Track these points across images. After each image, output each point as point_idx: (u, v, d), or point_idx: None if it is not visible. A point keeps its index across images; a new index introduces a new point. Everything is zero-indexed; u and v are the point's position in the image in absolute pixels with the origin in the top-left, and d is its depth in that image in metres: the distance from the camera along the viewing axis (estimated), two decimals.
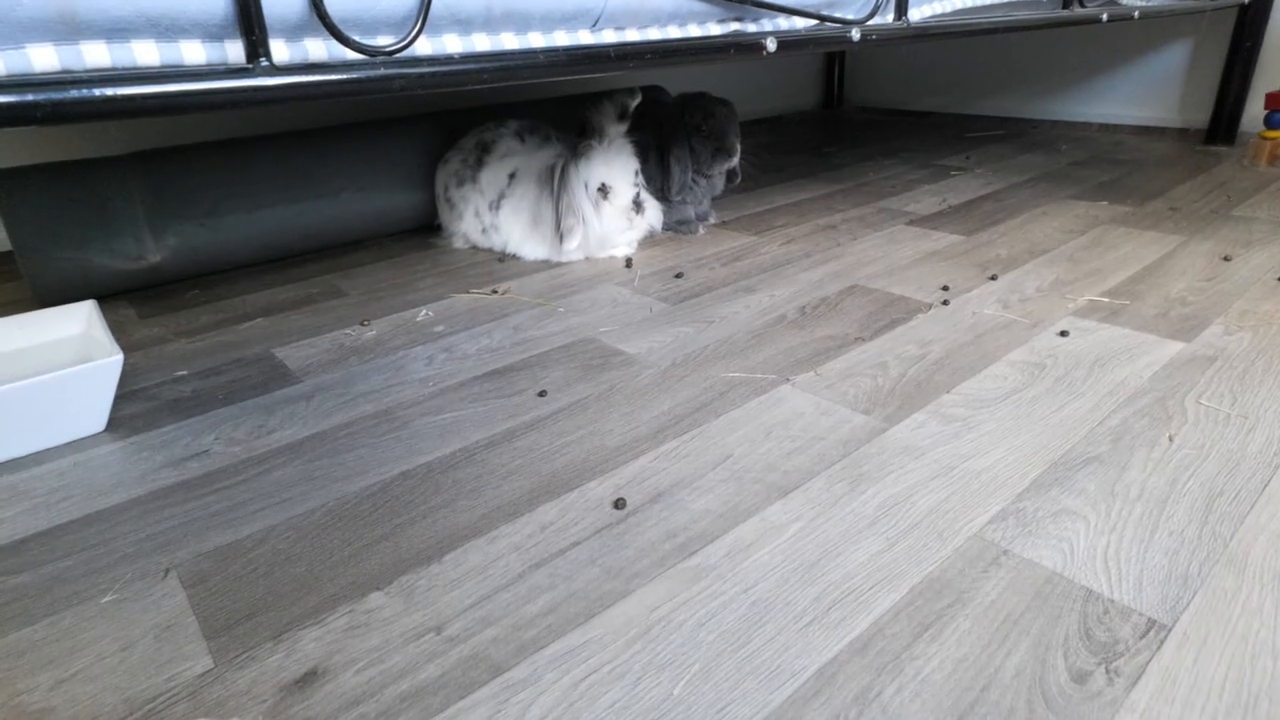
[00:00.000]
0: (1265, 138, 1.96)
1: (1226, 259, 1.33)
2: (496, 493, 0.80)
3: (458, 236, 1.62)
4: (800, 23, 0.98)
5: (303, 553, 0.71)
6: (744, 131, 2.05)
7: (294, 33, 0.62)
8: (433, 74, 0.64)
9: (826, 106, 3.17)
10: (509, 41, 0.74)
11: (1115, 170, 1.98)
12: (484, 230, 1.57)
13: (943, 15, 1.17)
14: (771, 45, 0.89)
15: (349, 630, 0.62)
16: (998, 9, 1.29)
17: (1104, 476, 0.77)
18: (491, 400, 0.98)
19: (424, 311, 1.28)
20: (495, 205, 1.53)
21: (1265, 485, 0.74)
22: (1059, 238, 1.51)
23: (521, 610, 0.64)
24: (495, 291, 1.35)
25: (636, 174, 1.45)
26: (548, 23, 0.75)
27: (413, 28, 0.63)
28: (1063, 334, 1.08)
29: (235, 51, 0.61)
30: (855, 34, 0.99)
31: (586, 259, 1.52)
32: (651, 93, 2.06)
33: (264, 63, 0.60)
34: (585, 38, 0.79)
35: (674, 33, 0.86)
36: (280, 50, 0.63)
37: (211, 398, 1.02)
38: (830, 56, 3.06)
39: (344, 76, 0.62)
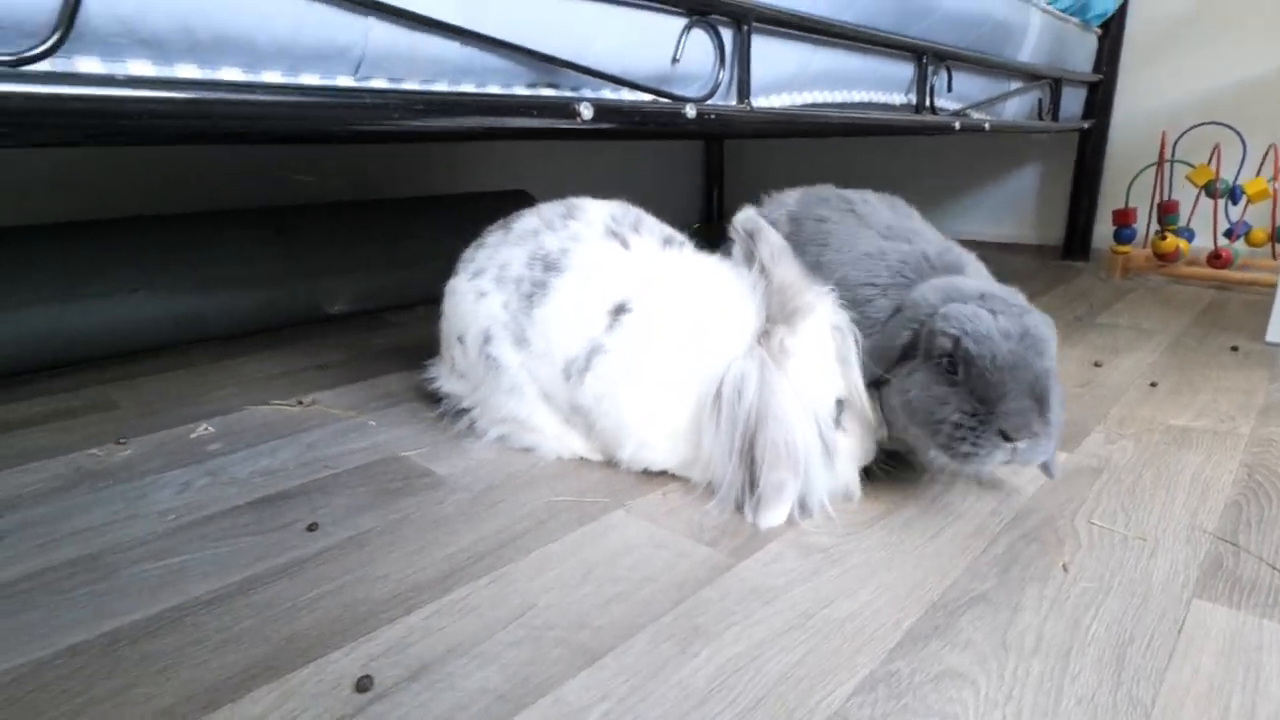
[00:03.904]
0: (1117, 252, 2.03)
1: (1097, 365, 1.27)
2: (197, 672, 0.57)
3: (494, 421, 0.94)
4: (629, 96, 0.87)
5: None
6: None
7: None
8: (84, 99, 0.47)
9: (707, 221, 3.19)
10: (230, 75, 0.58)
11: None
12: (563, 418, 0.90)
13: (789, 107, 1.11)
14: (587, 111, 0.77)
15: None
16: (850, 107, 1.25)
17: (993, 622, 0.61)
18: (243, 538, 0.76)
19: (203, 427, 1.05)
20: (583, 367, 0.84)
21: (1180, 627, 0.60)
22: None
23: None
24: (300, 403, 1.14)
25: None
26: (288, 59, 0.60)
27: (51, 34, 0.46)
28: None
29: None
30: (690, 110, 0.89)
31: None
32: (514, 199, 1.97)
33: None
34: (345, 82, 0.65)
35: (469, 90, 0.73)
36: None
37: None
38: (710, 173, 3.10)
39: None
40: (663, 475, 0.87)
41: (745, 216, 0.81)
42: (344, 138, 0.77)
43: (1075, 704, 0.52)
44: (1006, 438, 0.69)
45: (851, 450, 0.80)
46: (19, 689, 0.55)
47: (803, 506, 0.77)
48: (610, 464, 0.91)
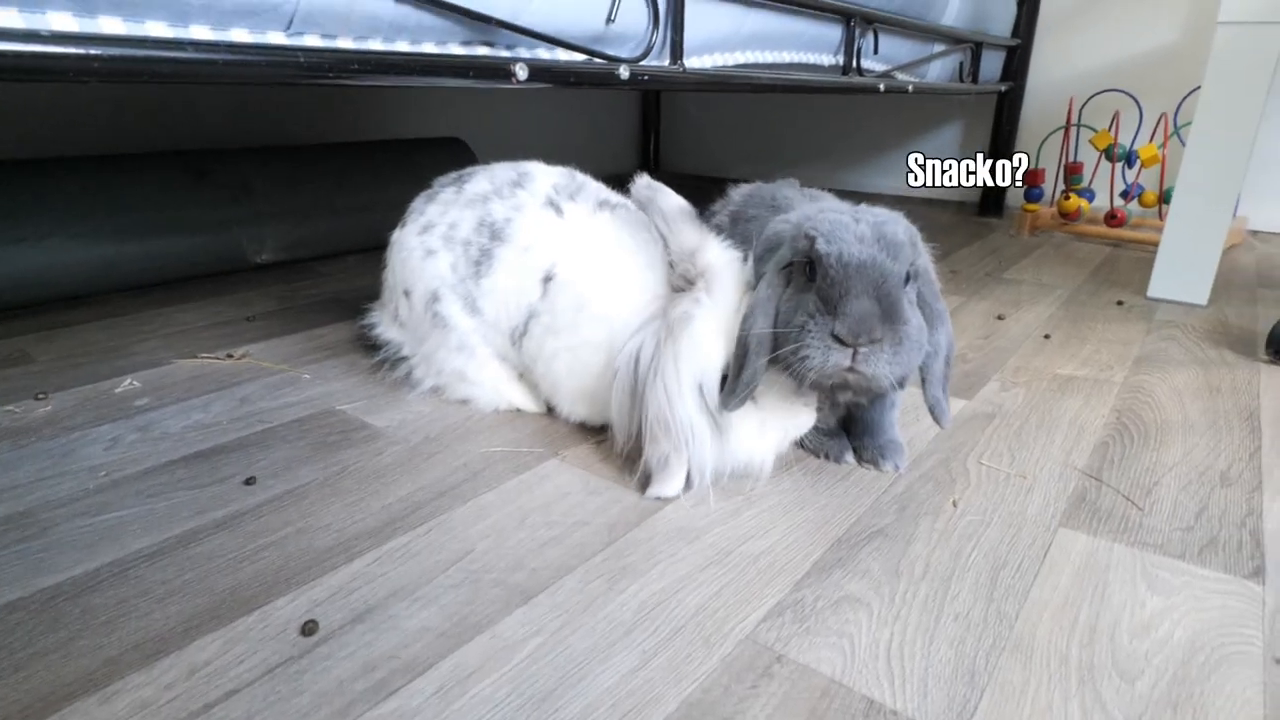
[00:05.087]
0: (1026, 210, 2.14)
1: (1000, 318, 1.37)
2: (142, 623, 0.59)
3: (435, 373, 0.97)
4: (564, 55, 0.89)
5: None
6: None
7: None
8: (7, 55, 0.46)
9: (644, 169, 3.20)
10: (156, 30, 0.57)
11: None
12: (517, 373, 0.95)
13: (722, 67, 1.14)
14: (522, 73, 0.79)
15: None
16: (780, 68, 1.28)
17: (889, 553, 0.68)
18: (180, 492, 0.77)
19: (128, 381, 1.04)
20: (522, 332, 0.90)
21: (1045, 552, 0.69)
22: None
23: None
24: (230, 356, 1.13)
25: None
26: (219, 14, 0.60)
27: None
28: None
29: None
30: (624, 71, 0.91)
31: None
32: (451, 148, 1.94)
33: None
34: (277, 39, 0.64)
35: (403, 49, 0.73)
36: None
37: None
38: (646, 121, 3.09)
39: None
40: (598, 426, 0.91)
41: (641, 184, 0.79)
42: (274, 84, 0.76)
43: (952, 619, 0.60)
44: (841, 341, 0.65)
45: (759, 424, 0.77)
46: None
47: (689, 480, 0.76)
48: (545, 416, 0.95)
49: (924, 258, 0.75)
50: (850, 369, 0.66)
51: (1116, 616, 0.61)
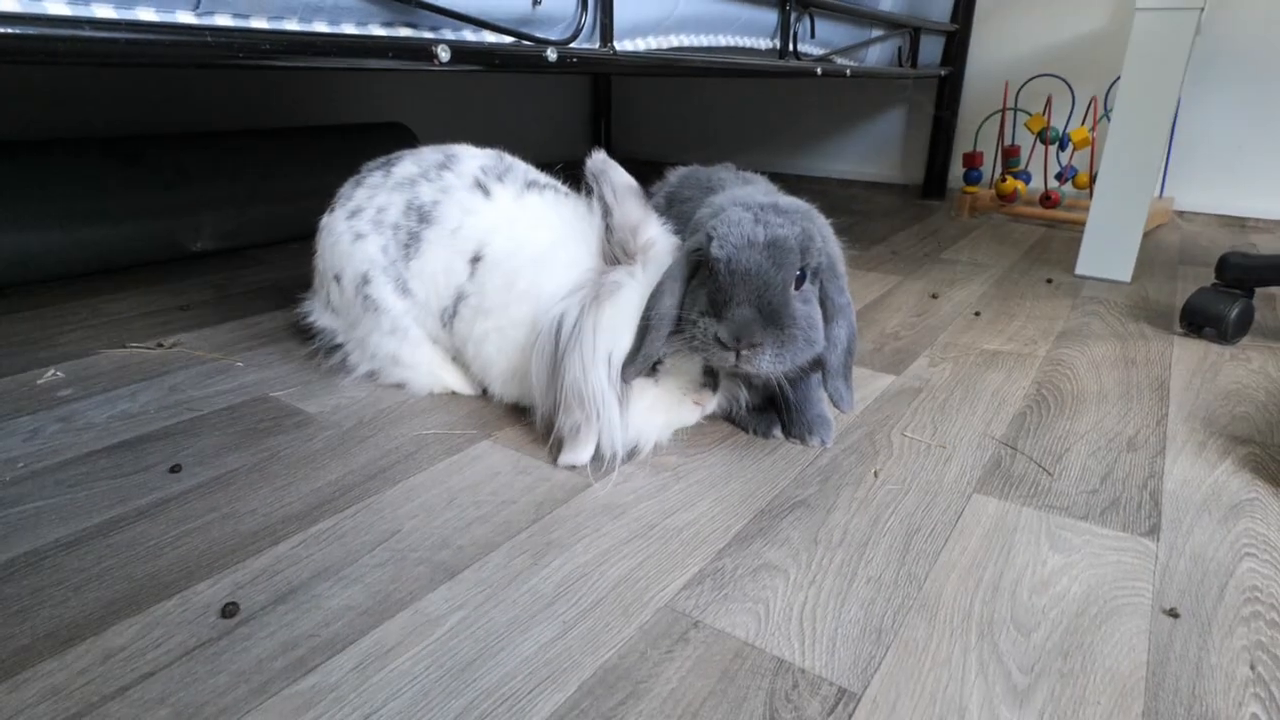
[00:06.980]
0: (966, 192, 2.19)
1: (934, 296, 1.40)
2: (56, 611, 0.58)
3: (369, 358, 0.97)
4: (491, 37, 0.88)
5: None
6: None
7: None
8: None
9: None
10: (55, 8, 0.56)
11: (848, 219, 2.11)
12: (450, 356, 0.95)
13: (655, 50, 1.14)
14: (444, 54, 0.78)
15: None
16: (716, 51, 1.29)
17: (809, 522, 0.71)
18: (102, 482, 0.76)
19: (51, 372, 1.01)
20: (452, 313, 0.90)
21: (959, 516, 0.71)
22: None
23: None
24: (160, 345, 1.11)
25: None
26: None
27: None
28: None
29: None
30: (552, 54, 0.91)
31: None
32: (392, 133, 1.91)
33: None
34: (185, 18, 0.63)
35: (320, 29, 0.73)
36: None
37: None
38: (597, 108, 3.08)
39: None
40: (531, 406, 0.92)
41: (595, 160, 0.82)
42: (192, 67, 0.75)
43: (865, 583, 0.62)
44: (722, 344, 0.70)
45: (654, 402, 0.80)
46: None
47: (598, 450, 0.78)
48: (479, 398, 0.95)
49: (829, 254, 0.77)
50: (735, 366, 0.71)
51: (1019, 574, 0.64)
